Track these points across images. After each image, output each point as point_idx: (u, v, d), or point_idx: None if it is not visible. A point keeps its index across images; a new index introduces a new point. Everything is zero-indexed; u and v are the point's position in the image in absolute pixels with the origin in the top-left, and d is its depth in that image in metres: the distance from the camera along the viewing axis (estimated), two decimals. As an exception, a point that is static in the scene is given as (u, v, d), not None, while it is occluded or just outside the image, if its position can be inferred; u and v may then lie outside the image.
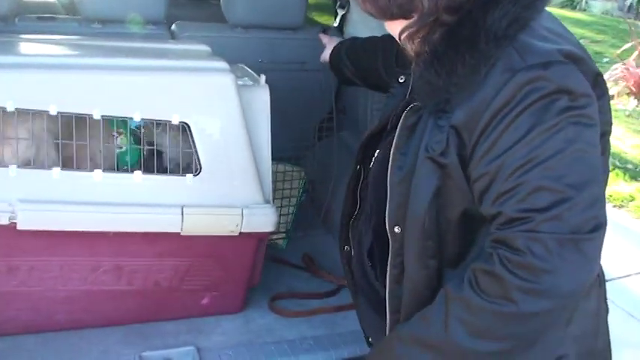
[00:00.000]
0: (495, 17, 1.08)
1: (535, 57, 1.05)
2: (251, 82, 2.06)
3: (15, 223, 1.72)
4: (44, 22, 2.51)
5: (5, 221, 1.72)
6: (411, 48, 1.21)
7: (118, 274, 1.92)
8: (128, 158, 1.95)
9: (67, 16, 2.70)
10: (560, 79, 1.03)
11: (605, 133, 1.17)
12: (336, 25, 2.97)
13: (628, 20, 8.76)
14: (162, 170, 1.88)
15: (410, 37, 1.19)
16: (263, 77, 2.03)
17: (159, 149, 1.89)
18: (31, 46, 2.03)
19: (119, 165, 1.92)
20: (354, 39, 2.13)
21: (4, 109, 1.69)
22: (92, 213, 1.78)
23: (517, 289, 0.99)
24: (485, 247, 1.08)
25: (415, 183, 1.16)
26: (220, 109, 1.88)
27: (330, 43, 2.18)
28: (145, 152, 1.87)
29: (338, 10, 2.96)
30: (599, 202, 1.04)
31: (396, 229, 1.21)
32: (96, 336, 1.95)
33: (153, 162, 1.89)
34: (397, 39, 1.24)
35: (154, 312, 2.04)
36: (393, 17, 1.20)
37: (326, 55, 2.15)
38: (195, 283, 2.02)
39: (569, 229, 0.99)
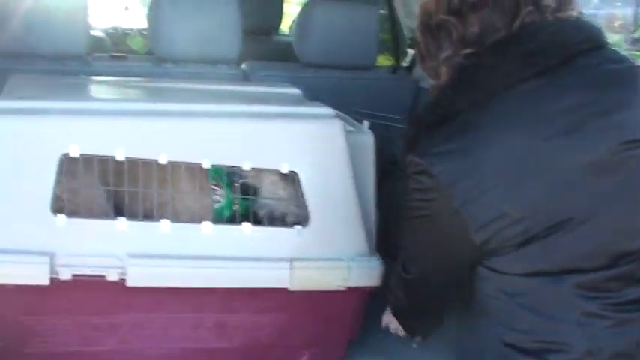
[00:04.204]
0: None
1: None
2: (352, 128, 1.99)
3: (124, 279, 1.63)
4: (118, 61, 2.44)
5: (115, 277, 1.62)
6: None
7: (219, 332, 1.82)
8: (227, 213, 1.87)
9: (138, 54, 2.63)
10: None
11: None
12: (405, 65, 2.93)
13: None
14: (268, 222, 1.80)
15: None
16: (366, 124, 1.96)
17: (266, 200, 1.80)
18: (132, 92, 1.95)
19: (217, 220, 1.83)
20: None
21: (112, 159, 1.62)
22: (202, 268, 1.69)
23: None
24: None
25: None
26: (329, 157, 1.80)
27: None
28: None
29: (408, 50, 2.92)
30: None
31: None
32: (193, 397, 1.84)
33: (256, 214, 1.81)
34: None
35: (250, 370, 1.93)
36: None
37: None
38: (295, 339, 1.92)
39: None
